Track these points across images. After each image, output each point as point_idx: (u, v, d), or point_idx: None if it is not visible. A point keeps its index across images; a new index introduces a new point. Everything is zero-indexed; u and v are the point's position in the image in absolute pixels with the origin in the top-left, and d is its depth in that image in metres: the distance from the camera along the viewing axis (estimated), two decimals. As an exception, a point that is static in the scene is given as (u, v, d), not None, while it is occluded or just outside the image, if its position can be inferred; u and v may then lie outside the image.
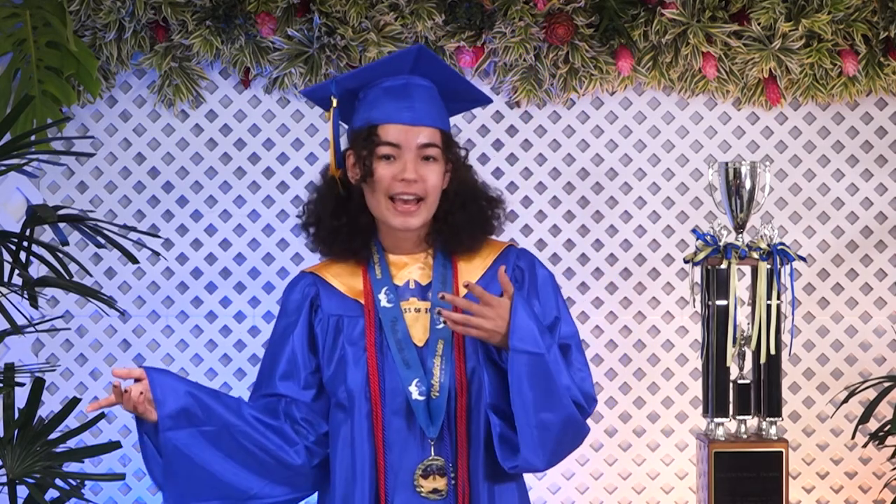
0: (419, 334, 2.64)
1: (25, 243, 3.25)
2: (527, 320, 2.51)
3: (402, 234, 2.67)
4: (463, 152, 2.72)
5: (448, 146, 2.67)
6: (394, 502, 2.58)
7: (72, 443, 3.85)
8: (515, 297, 2.51)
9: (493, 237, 2.75)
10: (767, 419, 3.75)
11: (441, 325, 2.61)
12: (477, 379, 2.61)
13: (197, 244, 4.31)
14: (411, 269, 2.69)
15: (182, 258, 4.31)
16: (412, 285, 2.68)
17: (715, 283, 3.74)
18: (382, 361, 2.61)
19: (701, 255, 3.73)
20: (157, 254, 4.01)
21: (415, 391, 2.59)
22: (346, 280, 2.69)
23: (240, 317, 4.31)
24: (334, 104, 2.65)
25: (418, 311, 2.66)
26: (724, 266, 3.72)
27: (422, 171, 2.62)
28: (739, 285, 3.76)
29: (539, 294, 2.70)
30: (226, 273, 4.31)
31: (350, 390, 2.61)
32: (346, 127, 2.74)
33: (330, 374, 2.66)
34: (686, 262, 3.82)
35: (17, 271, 3.22)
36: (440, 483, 2.59)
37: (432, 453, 2.59)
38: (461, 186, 2.70)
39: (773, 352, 3.73)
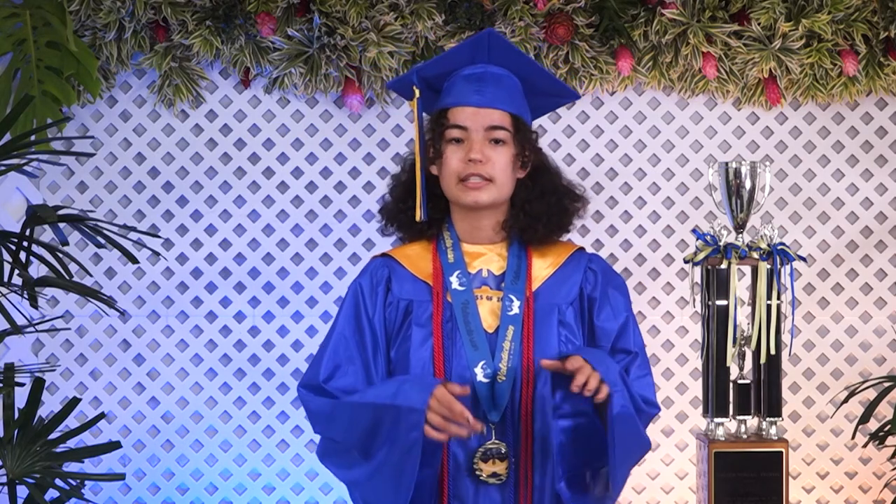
0: (490, 321, 2.65)
1: (25, 243, 3.25)
2: (604, 365, 2.54)
3: (476, 220, 2.69)
4: (533, 136, 2.72)
5: (519, 131, 2.68)
6: (453, 485, 2.60)
7: (72, 443, 3.85)
8: (582, 352, 2.55)
9: (565, 239, 2.77)
10: (767, 419, 3.75)
11: (512, 312, 2.63)
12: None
13: (197, 244, 4.31)
14: (486, 258, 2.71)
15: (182, 258, 4.31)
16: (485, 274, 2.70)
17: (715, 283, 3.73)
18: (449, 344, 2.62)
19: (701, 255, 3.73)
20: (157, 254, 4.01)
21: (480, 373, 2.60)
22: (416, 262, 2.71)
23: (240, 317, 4.31)
24: (417, 94, 2.68)
25: (490, 298, 2.67)
26: (724, 266, 3.72)
27: (488, 152, 2.64)
28: (739, 285, 3.76)
29: (610, 298, 2.72)
30: (226, 273, 4.31)
31: (415, 371, 2.62)
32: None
33: (396, 356, 2.67)
34: (686, 262, 3.82)
35: (17, 271, 3.22)
36: (500, 467, 2.60)
37: (493, 437, 2.60)
38: (539, 176, 2.72)
39: (773, 352, 3.73)
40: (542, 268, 2.70)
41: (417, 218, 2.68)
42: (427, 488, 2.58)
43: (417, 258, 2.72)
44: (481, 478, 2.59)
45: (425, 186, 2.68)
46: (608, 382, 2.50)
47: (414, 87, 2.69)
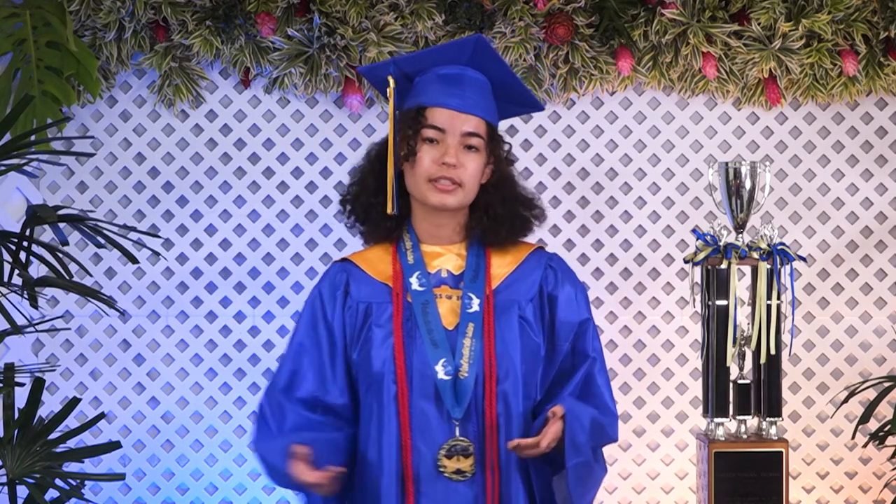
0: (449, 319, 2.66)
1: (25, 243, 3.25)
2: (577, 436, 2.59)
3: (437, 220, 2.70)
4: (507, 146, 2.75)
5: (492, 139, 2.70)
6: (418, 482, 2.60)
7: (72, 443, 3.85)
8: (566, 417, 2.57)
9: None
10: (767, 419, 3.75)
11: (472, 310, 2.64)
12: (507, 362, 2.63)
13: (197, 244, 4.31)
14: (445, 258, 2.72)
15: (182, 258, 4.31)
16: (444, 274, 2.70)
17: (715, 283, 3.74)
18: (410, 342, 2.63)
19: (701, 255, 3.73)
20: (157, 254, 4.01)
21: (441, 370, 2.60)
22: (376, 265, 2.72)
23: (240, 317, 4.31)
24: (392, 85, 2.68)
25: (449, 297, 2.68)
26: (724, 266, 3.72)
27: (462, 157, 2.65)
28: (739, 285, 3.76)
29: (571, 296, 2.72)
30: (226, 273, 4.31)
31: (376, 370, 2.63)
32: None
33: (358, 357, 2.67)
34: (686, 262, 3.82)
35: (17, 271, 3.22)
36: (464, 464, 2.60)
37: (457, 434, 2.60)
38: (502, 181, 2.73)
39: (773, 352, 3.73)
40: (502, 266, 2.71)
41: (388, 211, 2.68)
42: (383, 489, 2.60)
43: (377, 261, 2.72)
44: (444, 474, 2.60)
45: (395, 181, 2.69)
46: (571, 432, 2.57)
47: (389, 78, 2.68)
